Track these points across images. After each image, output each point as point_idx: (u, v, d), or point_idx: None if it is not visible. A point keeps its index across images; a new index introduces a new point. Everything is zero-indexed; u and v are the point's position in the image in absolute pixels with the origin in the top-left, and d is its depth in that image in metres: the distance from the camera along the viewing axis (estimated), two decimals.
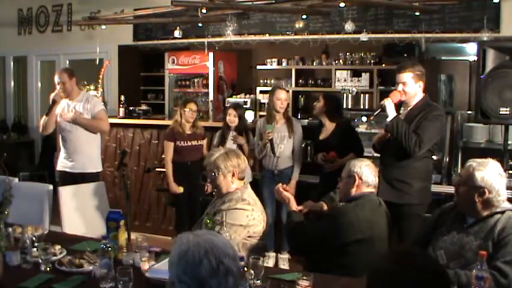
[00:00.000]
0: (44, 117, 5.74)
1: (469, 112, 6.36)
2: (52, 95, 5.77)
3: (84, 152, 5.69)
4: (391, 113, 4.25)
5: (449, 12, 6.48)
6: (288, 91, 6.03)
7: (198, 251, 1.86)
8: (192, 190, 6.06)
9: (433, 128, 4.22)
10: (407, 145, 4.15)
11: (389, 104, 4.26)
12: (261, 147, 5.81)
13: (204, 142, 6.17)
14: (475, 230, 3.01)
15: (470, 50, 7.04)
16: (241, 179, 3.61)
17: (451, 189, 4.84)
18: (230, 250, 1.89)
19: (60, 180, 5.65)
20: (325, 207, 3.92)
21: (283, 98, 5.78)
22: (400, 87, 4.31)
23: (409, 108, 4.38)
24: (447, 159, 5.89)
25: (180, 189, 6.03)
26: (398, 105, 4.44)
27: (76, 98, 5.74)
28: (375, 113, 4.45)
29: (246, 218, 3.41)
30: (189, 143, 6.04)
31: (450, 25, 6.51)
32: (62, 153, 5.77)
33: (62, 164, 5.76)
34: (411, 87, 4.29)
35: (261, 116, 6.83)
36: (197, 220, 3.98)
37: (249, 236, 3.43)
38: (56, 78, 5.72)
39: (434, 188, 4.89)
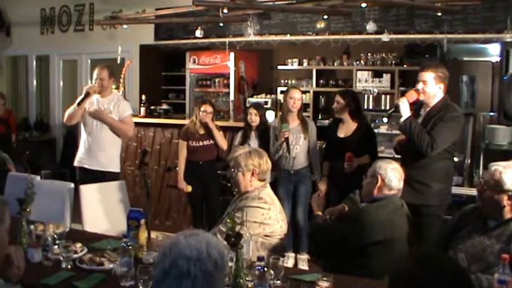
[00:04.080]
0: (75, 105, 5.58)
1: (492, 113, 6.31)
2: (86, 88, 5.67)
3: (106, 150, 5.62)
4: (405, 113, 4.22)
5: (471, 12, 6.42)
6: (304, 92, 5.97)
7: (160, 252, 1.89)
8: (206, 190, 6.08)
9: (447, 129, 4.16)
10: (419, 145, 4.12)
11: (403, 103, 4.23)
12: (276, 147, 5.78)
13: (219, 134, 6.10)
14: (496, 233, 2.98)
15: (493, 51, 6.95)
16: (262, 180, 3.59)
17: (472, 191, 4.79)
18: (192, 252, 1.83)
19: (80, 177, 5.59)
20: (346, 209, 3.90)
21: (296, 98, 5.74)
22: (420, 85, 4.27)
23: (428, 109, 4.34)
24: (469, 161, 5.85)
25: (189, 188, 6.04)
26: (419, 106, 4.42)
27: (107, 96, 5.69)
28: (389, 112, 4.42)
29: (262, 216, 3.41)
30: (201, 143, 6.03)
31: (473, 26, 6.45)
32: (83, 149, 5.67)
33: (82, 160, 5.66)
34: (431, 87, 4.24)
35: None
36: (217, 219, 4.01)
37: (266, 235, 3.42)
38: (95, 74, 5.69)
39: (456, 190, 4.86)
